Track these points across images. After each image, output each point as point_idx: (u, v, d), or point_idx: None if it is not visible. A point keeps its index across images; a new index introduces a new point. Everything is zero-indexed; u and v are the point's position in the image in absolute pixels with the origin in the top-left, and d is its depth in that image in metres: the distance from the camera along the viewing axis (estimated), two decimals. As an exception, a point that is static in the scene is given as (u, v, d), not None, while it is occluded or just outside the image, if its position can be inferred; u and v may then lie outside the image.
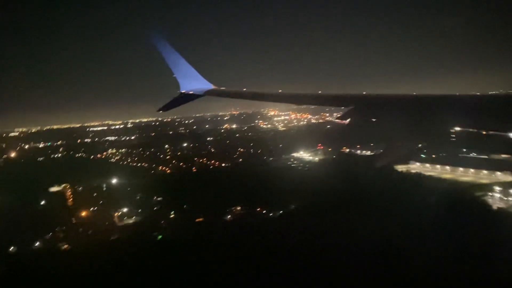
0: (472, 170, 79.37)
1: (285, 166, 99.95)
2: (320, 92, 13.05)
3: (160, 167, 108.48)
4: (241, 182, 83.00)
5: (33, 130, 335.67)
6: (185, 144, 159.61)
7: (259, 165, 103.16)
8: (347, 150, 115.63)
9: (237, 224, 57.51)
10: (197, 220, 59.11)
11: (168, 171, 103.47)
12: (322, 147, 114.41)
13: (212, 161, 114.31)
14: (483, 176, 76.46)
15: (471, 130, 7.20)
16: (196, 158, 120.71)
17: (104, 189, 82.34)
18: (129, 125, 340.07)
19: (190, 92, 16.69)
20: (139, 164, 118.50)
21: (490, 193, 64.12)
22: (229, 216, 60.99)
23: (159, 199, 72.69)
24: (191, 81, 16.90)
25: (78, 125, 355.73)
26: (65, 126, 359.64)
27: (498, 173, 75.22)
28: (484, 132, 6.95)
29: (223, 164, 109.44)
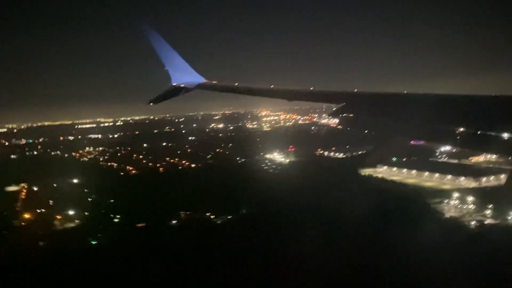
0: (437, 175, 77.26)
1: (253, 168, 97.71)
2: (312, 88, 12.74)
3: (128, 167, 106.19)
4: (202, 184, 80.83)
5: (22, 127, 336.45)
6: (164, 143, 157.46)
7: (228, 167, 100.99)
8: (321, 152, 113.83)
9: (178, 230, 55.48)
10: (139, 225, 56.98)
11: (134, 171, 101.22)
12: (293, 149, 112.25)
13: (183, 162, 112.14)
14: (447, 181, 74.36)
15: (459, 128, 7.18)
16: (168, 158, 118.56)
17: (60, 189, 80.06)
18: (118, 123, 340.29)
19: (182, 85, 16.45)
20: (109, 164, 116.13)
21: (447, 200, 62.04)
22: (174, 221, 58.83)
23: (111, 201, 70.64)
24: (183, 74, 16.62)
25: (69, 122, 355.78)
26: (57, 123, 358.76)
27: (462, 178, 73.22)
28: (472, 131, 6.95)
29: (192, 165, 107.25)
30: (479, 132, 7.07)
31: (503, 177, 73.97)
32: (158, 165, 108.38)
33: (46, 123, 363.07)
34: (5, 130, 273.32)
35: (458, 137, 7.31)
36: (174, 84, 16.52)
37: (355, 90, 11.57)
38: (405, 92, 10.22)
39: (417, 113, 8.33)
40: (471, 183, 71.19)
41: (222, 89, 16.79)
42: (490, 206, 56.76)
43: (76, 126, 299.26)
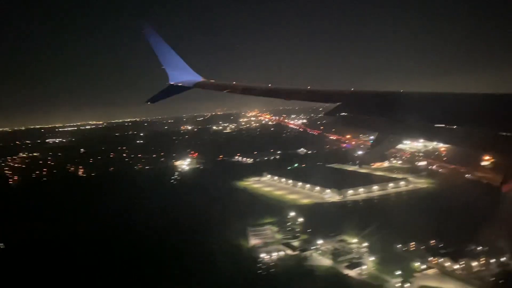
0: (308, 186, 66.48)
1: (144, 176, 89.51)
2: (309, 87, 12.86)
3: (16, 176, 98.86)
4: (62, 198, 72.80)
5: (8, 130, 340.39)
6: (100, 148, 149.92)
7: (121, 176, 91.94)
8: (236, 157, 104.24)
9: None
10: None
11: (15, 181, 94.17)
12: (195, 155, 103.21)
13: (80, 170, 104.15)
14: (313, 193, 63.96)
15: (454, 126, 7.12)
16: (79, 165, 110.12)
17: None
18: (101, 125, 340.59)
19: (179, 84, 16.33)
20: (6, 171, 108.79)
21: (279, 221, 51.43)
22: None
23: None
24: (181, 73, 16.67)
25: (59, 125, 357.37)
26: (48, 126, 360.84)
27: (328, 190, 62.53)
28: (468, 130, 6.74)
29: (92, 174, 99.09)
30: (475, 130, 6.76)
31: (376, 188, 63.76)
32: (51, 173, 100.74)
33: (37, 126, 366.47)
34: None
35: (453, 136, 7.20)
36: (172, 83, 16.26)
37: (352, 89, 11.38)
38: (401, 91, 10.11)
39: (413, 112, 8.01)
40: (335, 197, 61.04)
41: (220, 88, 16.52)
42: (309, 231, 46.32)
43: (56, 129, 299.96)
